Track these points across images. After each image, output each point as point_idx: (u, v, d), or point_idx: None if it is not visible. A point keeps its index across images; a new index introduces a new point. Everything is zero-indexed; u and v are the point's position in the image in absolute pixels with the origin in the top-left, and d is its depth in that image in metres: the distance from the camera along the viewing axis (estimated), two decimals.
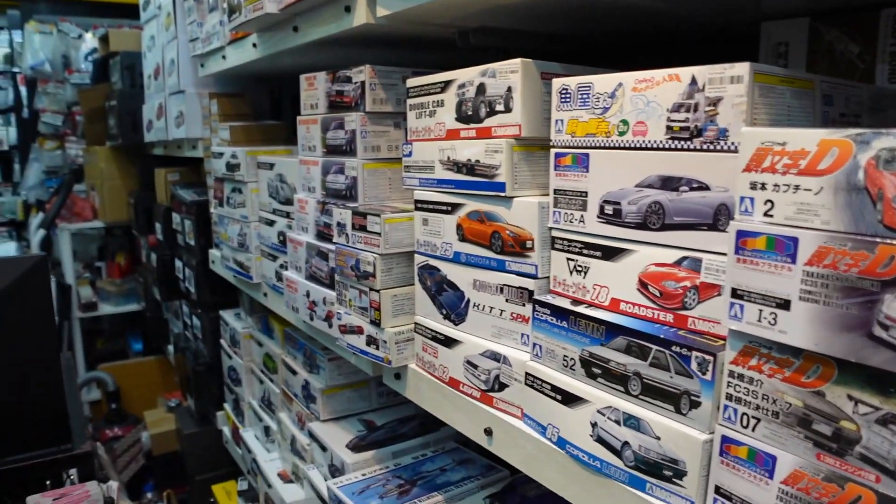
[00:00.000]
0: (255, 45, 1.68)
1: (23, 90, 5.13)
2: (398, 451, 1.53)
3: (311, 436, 1.66)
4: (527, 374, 0.91)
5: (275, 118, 2.49)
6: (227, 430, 2.47)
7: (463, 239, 1.03)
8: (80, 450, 1.34)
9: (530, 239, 0.93)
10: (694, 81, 0.74)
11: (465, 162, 1.01)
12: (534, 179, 0.97)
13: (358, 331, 1.22)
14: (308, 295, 1.42)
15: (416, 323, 1.14)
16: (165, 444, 3.02)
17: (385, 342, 1.15)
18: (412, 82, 1.12)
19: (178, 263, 2.72)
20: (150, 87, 3.02)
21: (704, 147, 0.73)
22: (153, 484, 3.27)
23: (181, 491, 3.00)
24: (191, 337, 2.73)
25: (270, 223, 1.70)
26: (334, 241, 1.28)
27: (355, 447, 1.54)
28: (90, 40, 4.72)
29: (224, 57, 1.97)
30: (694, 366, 0.72)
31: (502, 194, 0.95)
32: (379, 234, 1.13)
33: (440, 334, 1.08)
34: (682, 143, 0.75)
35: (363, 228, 1.17)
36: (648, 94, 0.78)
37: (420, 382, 1.14)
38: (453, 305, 1.06)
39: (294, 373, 1.79)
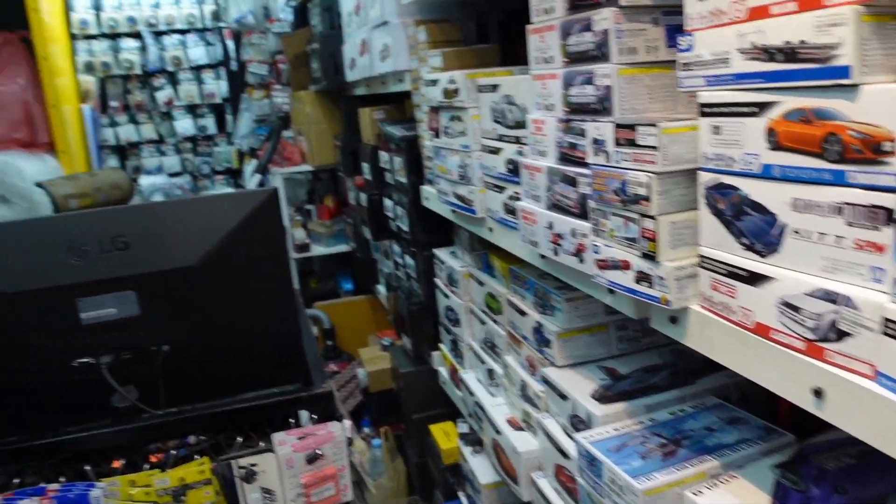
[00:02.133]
0: None
1: (230, 44, 5.36)
2: (652, 405, 1.35)
3: (547, 383, 1.53)
4: (886, 320, 0.69)
5: (482, 44, 2.33)
6: (443, 371, 2.42)
7: (776, 147, 0.81)
8: (320, 389, 1.30)
9: (889, 139, 0.69)
10: None
11: (782, 46, 0.78)
12: (887, 61, 0.72)
13: (623, 266, 1.04)
14: (551, 227, 1.26)
15: (701, 255, 0.94)
16: (381, 382, 3.06)
17: (662, 279, 0.96)
18: None
19: (388, 202, 2.68)
20: (350, 24, 2.97)
21: None
22: (370, 420, 3.35)
23: (397, 428, 3.04)
24: (403, 276, 2.70)
25: (496, 151, 1.55)
26: (589, 161, 1.10)
27: (602, 398, 1.38)
28: None
29: None
30: None
31: (844, 82, 0.72)
32: (655, 147, 0.94)
33: (741, 269, 0.87)
34: None
35: (631, 143, 0.98)
36: None
37: (707, 327, 0.95)
38: (759, 233, 0.85)
39: (522, 314, 1.66)
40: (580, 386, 1.44)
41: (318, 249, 4.06)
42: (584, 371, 1.51)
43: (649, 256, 0.98)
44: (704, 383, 1.42)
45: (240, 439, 1.26)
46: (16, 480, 1.19)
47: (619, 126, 1.01)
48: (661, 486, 1.10)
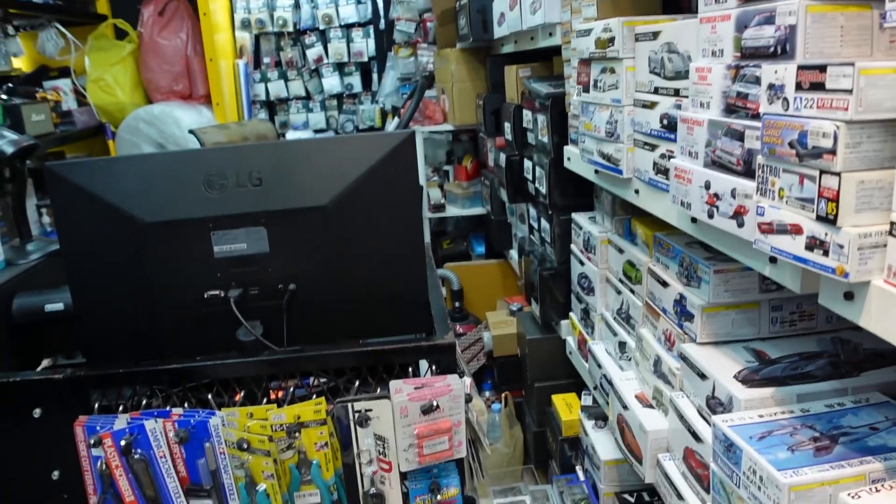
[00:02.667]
0: None
1: (379, 2, 5.38)
2: (805, 394, 1.21)
3: (685, 359, 1.40)
4: None
5: None
6: (571, 341, 2.33)
7: None
8: (442, 340, 1.24)
9: None
10: None
11: None
12: None
13: (793, 230, 0.91)
14: (708, 186, 1.14)
15: (893, 223, 0.80)
16: (506, 347, 3.00)
17: (840, 246, 0.83)
18: None
19: (528, 164, 2.59)
20: None
21: None
22: (491, 384, 3.31)
23: (518, 395, 2.98)
24: (537, 241, 2.61)
25: (650, 105, 1.43)
26: (762, 111, 0.97)
27: (746, 380, 1.25)
28: None
29: None
30: None
31: None
32: (848, 91, 0.80)
33: None
34: None
35: (818, 87, 0.84)
36: None
37: (893, 308, 0.80)
38: None
39: (664, 284, 1.53)
40: (722, 366, 1.31)
41: (452, 210, 4.03)
42: (727, 350, 1.38)
43: (827, 220, 0.84)
44: (870, 378, 1.25)
45: (357, 383, 1.24)
46: (144, 402, 1.22)
47: (803, 68, 0.87)
48: (810, 483, 0.97)
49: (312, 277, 1.30)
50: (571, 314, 2.30)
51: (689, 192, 1.20)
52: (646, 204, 1.52)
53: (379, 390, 1.21)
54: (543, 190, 2.35)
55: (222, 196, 1.26)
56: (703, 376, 1.33)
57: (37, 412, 1.21)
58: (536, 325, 2.60)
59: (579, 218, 2.15)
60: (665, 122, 1.37)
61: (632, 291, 1.77)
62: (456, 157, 4.30)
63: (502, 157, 2.89)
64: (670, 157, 1.35)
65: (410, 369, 1.26)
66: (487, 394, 3.28)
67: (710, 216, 1.14)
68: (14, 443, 1.26)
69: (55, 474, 1.24)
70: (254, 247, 1.28)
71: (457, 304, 3.72)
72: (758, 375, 1.27)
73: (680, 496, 1.39)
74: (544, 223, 2.47)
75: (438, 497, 1.19)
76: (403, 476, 1.23)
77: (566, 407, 2.30)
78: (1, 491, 1.27)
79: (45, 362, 1.41)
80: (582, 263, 2.11)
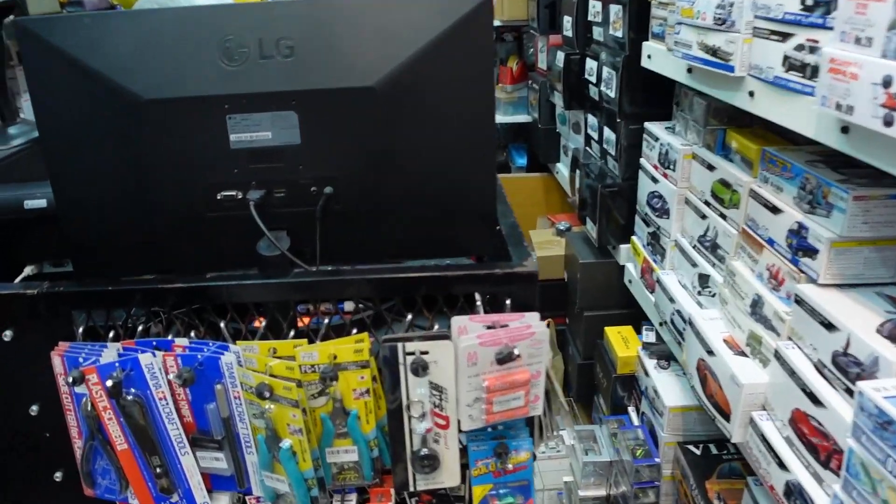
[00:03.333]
0: None
1: None
2: None
3: (801, 303, 1.15)
4: None
5: None
6: (632, 268, 2.07)
7: None
8: (523, 268, 0.98)
9: None
10: None
11: None
12: None
13: None
14: (888, 83, 0.84)
15: None
16: (551, 270, 2.75)
17: None
18: None
19: (591, 64, 2.27)
20: None
21: None
22: None
23: (560, 322, 2.75)
24: (596, 153, 2.32)
25: None
26: None
27: (894, 337, 0.99)
28: None
29: None
30: None
31: None
32: None
33: None
34: None
35: None
36: None
37: None
38: None
39: (774, 211, 1.26)
40: (856, 315, 1.06)
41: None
42: (856, 296, 1.12)
43: None
44: None
45: (409, 317, 0.99)
46: (141, 328, 0.98)
47: None
48: None
49: (354, 178, 1.03)
50: (634, 238, 2.04)
51: (853, 91, 0.91)
52: (764, 109, 1.23)
53: (436, 326, 0.96)
54: (612, 94, 2.04)
55: (242, 69, 0.98)
56: (830, 326, 1.07)
57: (7, 335, 0.98)
58: (590, 247, 2.34)
59: (654, 128, 1.85)
60: (810, 1, 1.07)
61: (723, 216, 1.49)
62: (499, 58, 3.94)
63: (559, 56, 2.56)
64: (813, 49, 1.05)
65: (479, 302, 0.99)
66: None
67: (888, 123, 0.85)
68: None
69: (33, 409, 1.02)
70: (281, 136, 1.01)
71: None
72: None
73: (782, 465, 1.16)
74: (608, 133, 2.17)
75: (508, 464, 0.96)
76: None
77: (622, 341, 2.06)
78: None
79: (28, 270, 1.18)
80: (655, 181, 1.82)
